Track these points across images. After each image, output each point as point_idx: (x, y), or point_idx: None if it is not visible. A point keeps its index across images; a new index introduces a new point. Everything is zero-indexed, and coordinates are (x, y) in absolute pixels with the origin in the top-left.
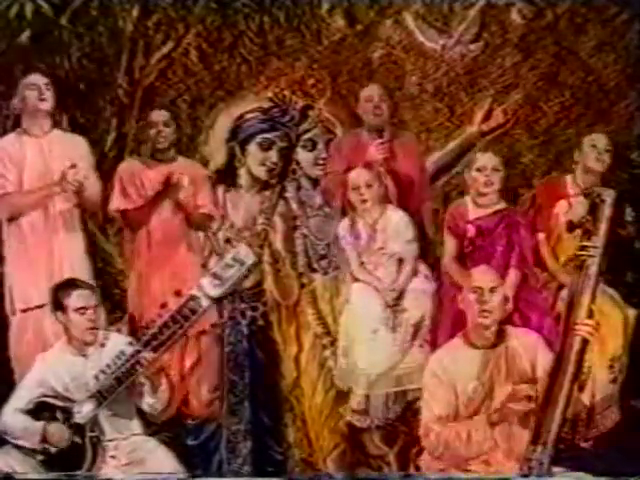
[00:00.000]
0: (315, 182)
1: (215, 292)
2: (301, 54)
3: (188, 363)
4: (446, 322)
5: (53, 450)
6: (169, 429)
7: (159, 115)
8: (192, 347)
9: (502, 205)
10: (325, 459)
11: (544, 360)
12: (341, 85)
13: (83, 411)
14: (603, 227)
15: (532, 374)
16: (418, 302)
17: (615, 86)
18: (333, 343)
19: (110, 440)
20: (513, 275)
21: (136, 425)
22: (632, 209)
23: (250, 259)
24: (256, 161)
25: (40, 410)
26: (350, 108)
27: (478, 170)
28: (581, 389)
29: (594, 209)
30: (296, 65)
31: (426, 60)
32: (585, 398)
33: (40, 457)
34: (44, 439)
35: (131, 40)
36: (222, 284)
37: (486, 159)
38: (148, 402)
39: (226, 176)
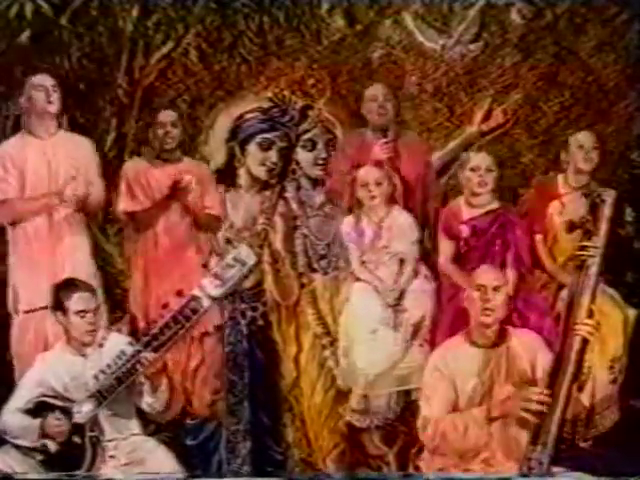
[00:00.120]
0: (315, 182)
1: (216, 292)
2: (301, 54)
3: (192, 364)
4: (445, 322)
5: (53, 449)
6: (169, 429)
7: (167, 115)
8: (196, 349)
9: (496, 205)
10: (325, 459)
11: (544, 361)
12: (341, 85)
13: (83, 411)
14: (603, 227)
15: (532, 375)
16: (418, 302)
17: (615, 86)
18: (333, 343)
19: (110, 440)
20: (510, 275)
21: (136, 425)
22: (632, 209)
23: (251, 259)
24: (256, 161)
25: (40, 410)
26: (350, 108)
27: (472, 170)
28: (580, 389)
29: (594, 209)
30: (296, 65)
31: (426, 60)
32: (585, 398)
33: (39, 457)
34: (43, 434)
35: (131, 40)
36: (223, 284)
37: (479, 159)
38: (147, 401)
39: (226, 176)
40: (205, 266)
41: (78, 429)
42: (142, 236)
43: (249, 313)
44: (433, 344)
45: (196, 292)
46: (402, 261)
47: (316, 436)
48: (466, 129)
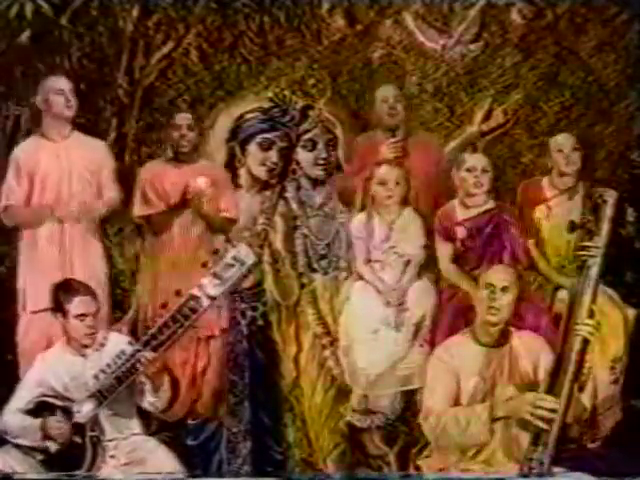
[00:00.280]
0: (315, 182)
1: (215, 292)
2: (301, 54)
3: (200, 366)
4: (445, 322)
5: (53, 449)
6: (169, 429)
7: (183, 118)
8: (203, 351)
9: (490, 205)
10: (325, 459)
11: (546, 362)
12: (341, 85)
13: (83, 410)
14: (605, 227)
15: (534, 377)
16: (419, 301)
17: (615, 86)
18: (333, 343)
19: (110, 440)
20: None
21: (136, 425)
22: (633, 209)
23: (250, 259)
24: (256, 161)
25: (40, 410)
26: (350, 108)
27: (468, 171)
28: (581, 390)
29: (596, 209)
30: (296, 65)
31: (426, 60)
32: (585, 399)
33: (40, 457)
34: (44, 435)
35: (131, 40)
36: (222, 284)
37: (475, 160)
38: (149, 401)
39: None
40: (204, 265)
41: (78, 429)
42: (159, 238)
43: (249, 313)
44: (433, 344)
45: (195, 291)
46: (408, 262)
47: (317, 436)
48: (466, 129)
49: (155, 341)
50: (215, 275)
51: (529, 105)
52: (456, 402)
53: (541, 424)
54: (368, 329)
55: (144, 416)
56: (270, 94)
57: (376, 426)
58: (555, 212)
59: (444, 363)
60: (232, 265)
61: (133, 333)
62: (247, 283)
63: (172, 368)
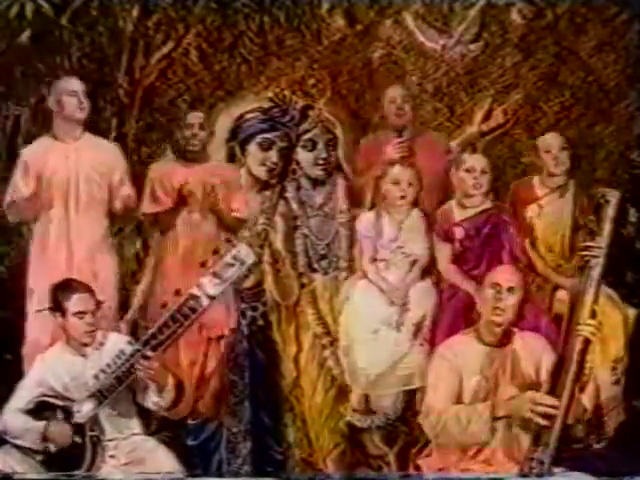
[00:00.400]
0: (315, 182)
1: (215, 291)
2: (301, 54)
3: (210, 367)
4: (445, 321)
5: (53, 450)
6: (169, 429)
7: (195, 117)
8: (213, 351)
9: (488, 204)
10: (325, 459)
11: (547, 362)
12: (341, 85)
13: (83, 410)
14: (607, 227)
15: (536, 378)
16: (420, 301)
17: (615, 86)
18: (333, 343)
19: (110, 440)
20: None
21: (136, 424)
22: (635, 209)
23: (250, 258)
24: (256, 161)
25: (40, 410)
26: (350, 108)
27: (467, 171)
28: (582, 390)
29: (598, 209)
30: (296, 65)
31: (426, 60)
32: (586, 400)
33: (40, 457)
34: (45, 438)
35: (131, 40)
36: (222, 283)
37: (474, 160)
38: (153, 400)
39: None
40: (204, 265)
41: (78, 429)
42: (165, 237)
43: (249, 313)
44: (433, 344)
45: (194, 291)
46: (414, 262)
47: (317, 436)
48: (466, 129)
49: (155, 341)
50: (215, 274)
51: (529, 105)
52: (458, 401)
53: (541, 421)
54: (368, 329)
55: (144, 416)
56: (270, 94)
57: (376, 426)
58: (546, 210)
59: (447, 361)
60: (232, 264)
61: (133, 333)
62: (247, 283)
63: (180, 368)
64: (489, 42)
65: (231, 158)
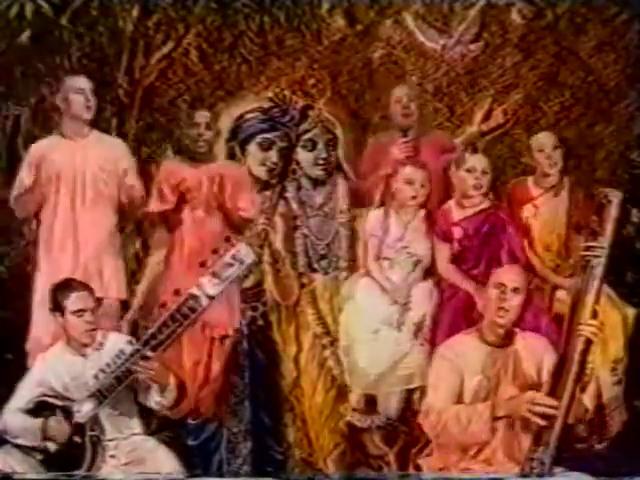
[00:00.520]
0: (315, 182)
1: (214, 291)
2: (301, 54)
3: (216, 367)
4: (445, 321)
5: (53, 449)
6: (169, 429)
7: (202, 116)
8: (217, 351)
9: (486, 204)
10: (325, 459)
11: (549, 363)
12: (341, 85)
13: (83, 410)
14: (609, 228)
15: (537, 378)
16: (421, 301)
17: (615, 86)
18: (333, 343)
19: (110, 439)
20: None
21: (136, 424)
22: (637, 210)
23: (250, 258)
24: (256, 161)
25: (40, 409)
26: (350, 108)
27: (467, 171)
28: (583, 390)
29: (600, 210)
30: (296, 65)
31: (426, 60)
32: (587, 400)
33: (39, 457)
34: (44, 436)
35: (131, 40)
36: (221, 283)
37: (475, 160)
38: (156, 400)
39: None
40: (203, 264)
41: (78, 429)
42: (171, 235)
43: (249, 313)
44: (433, 343)
45: (194, 291)
46: (417, 263)
47: (317, 436)
48: (466, 129)
49: (154, 341)
50: (214, 274)
51: (529, 105)
52: (458, 401)
53: (539, 421)
54: (369, 328)
55: (144, 416)
56: (270, 94)
57: (376, 426)
58: (542, 210)
59: (448, 361)
60: (231, 264)
61: (133, 333)
62: (247, 283)
63: (183, 368)
64: (489, 42)
65: (231, 158)
